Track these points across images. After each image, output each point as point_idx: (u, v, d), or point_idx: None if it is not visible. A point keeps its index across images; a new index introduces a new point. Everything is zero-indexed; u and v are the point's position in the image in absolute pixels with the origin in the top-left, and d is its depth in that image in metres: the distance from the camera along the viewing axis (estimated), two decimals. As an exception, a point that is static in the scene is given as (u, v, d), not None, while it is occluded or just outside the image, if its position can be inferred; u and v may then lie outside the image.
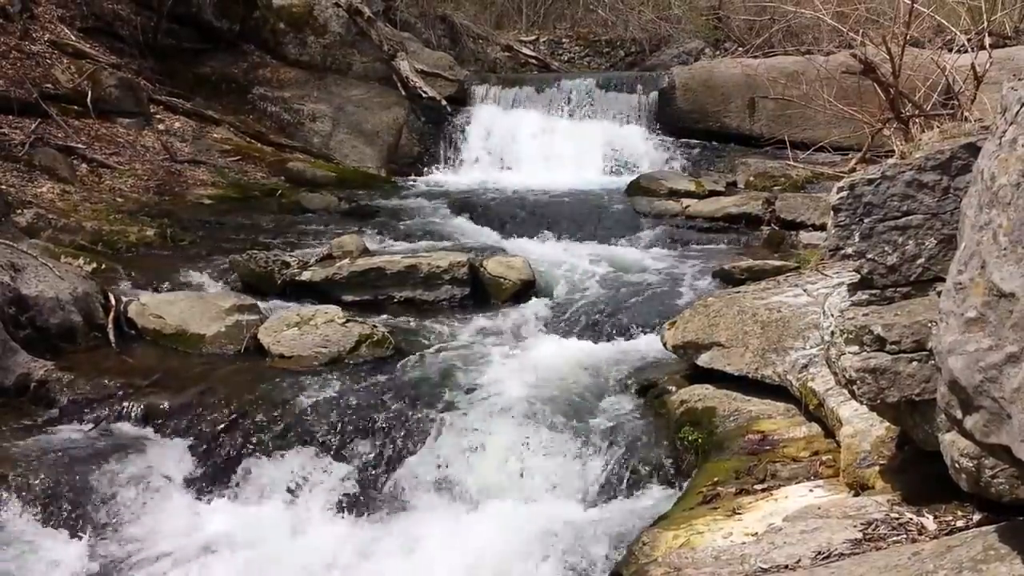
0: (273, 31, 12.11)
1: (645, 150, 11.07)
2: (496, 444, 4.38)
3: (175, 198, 8.72)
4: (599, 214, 8.81)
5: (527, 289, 6.47)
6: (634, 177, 9.86)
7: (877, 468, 3.07)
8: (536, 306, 6.27)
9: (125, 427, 4.66)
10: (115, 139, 9.37)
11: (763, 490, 3.35)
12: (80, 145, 8.86)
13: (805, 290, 4.65)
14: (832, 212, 2.79)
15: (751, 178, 9.57)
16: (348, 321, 5.54)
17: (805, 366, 3.99)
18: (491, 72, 14.23)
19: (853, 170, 4.34)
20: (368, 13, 12.16)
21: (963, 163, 2.62)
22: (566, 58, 16.49)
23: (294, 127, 11.26)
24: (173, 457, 4.46)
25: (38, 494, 4.15)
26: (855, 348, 2.68)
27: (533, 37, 16.74)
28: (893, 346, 2.61)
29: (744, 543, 2.83)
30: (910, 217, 2.69)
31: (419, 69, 12.00)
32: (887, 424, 3.06)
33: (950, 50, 5.19)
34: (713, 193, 9.03)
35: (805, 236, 7.79)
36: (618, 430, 4.43)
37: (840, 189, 2.78)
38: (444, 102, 11.78)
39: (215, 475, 4.42)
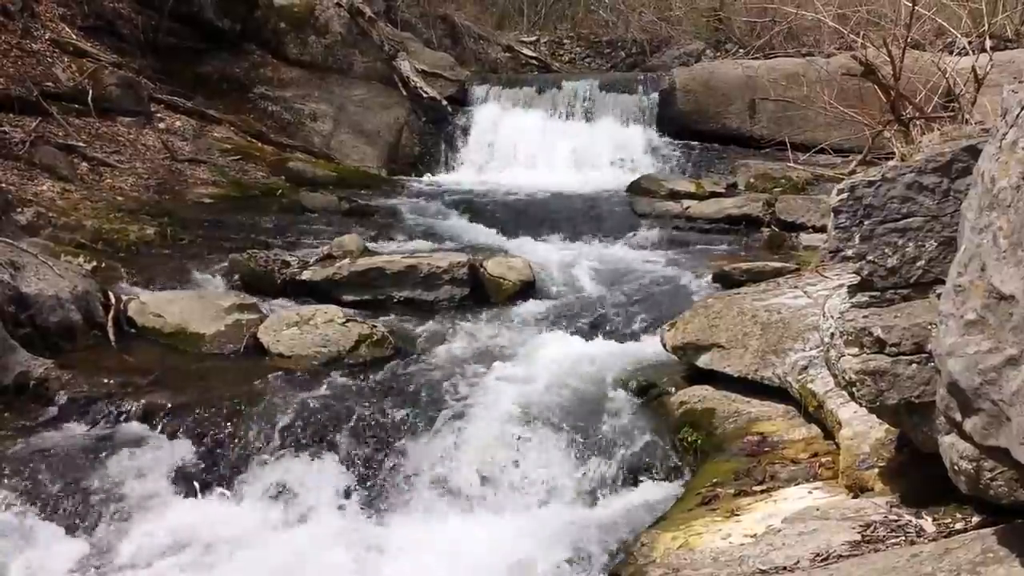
0: (274, 31, 12.11)
1: (645, 151, 11.08)
2: (495, 444, 4.39)
3: (175, 197, 8.72)
4: (599, 215, 8.82)
5: (527, 289, 6.47)
6: (634, 178, 9.87)
7: (876, 470, 3.07)
8: (536, 306, 6.27)
9: (124, 426, 4.65)
10: (116, 138, 9.37)
11: (762, 491, 3.36)
12: (80, 144, 8.86)
13: (805, 292, 4.65)
14: (832, 214, 2.79)
15: (751, 179, 9.58)
16: (348, 321, 5.54)
17: (805, 368, 3.99)
18: (492, 72, 14.23)
19: (853, 172, 4.34)
20: (369, 13, 12.17)
21: (963, 165, 2.62)
22: (567, 59, 16.48)
23: (295, 127, 11.27)
24: (172, 456, 4.45)
25: (37, 492, 4.14)
26: (855, 350, 2.68)
27: (534, 38, 16.73)
28: (893, 348, 2.61)
29: (743, 544, 2.83)
30: (910, 219, 2.69)
31: (420, 69, 12.00)
32: (886, 426, 3.06)
33: (951, 52, 5.19)
34: (713, 194, 9.05)
35: (805, 238, 7.81)
36: (617, 431, 4.43)
37: (840, 191, 2.78)
38: (445, 102, 11.78)
39: (214, 474, 4.41)
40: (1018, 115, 1.98)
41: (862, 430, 3.26)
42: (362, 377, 5.06)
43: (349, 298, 6.26)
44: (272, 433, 4.54)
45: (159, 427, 4.64)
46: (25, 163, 8.07)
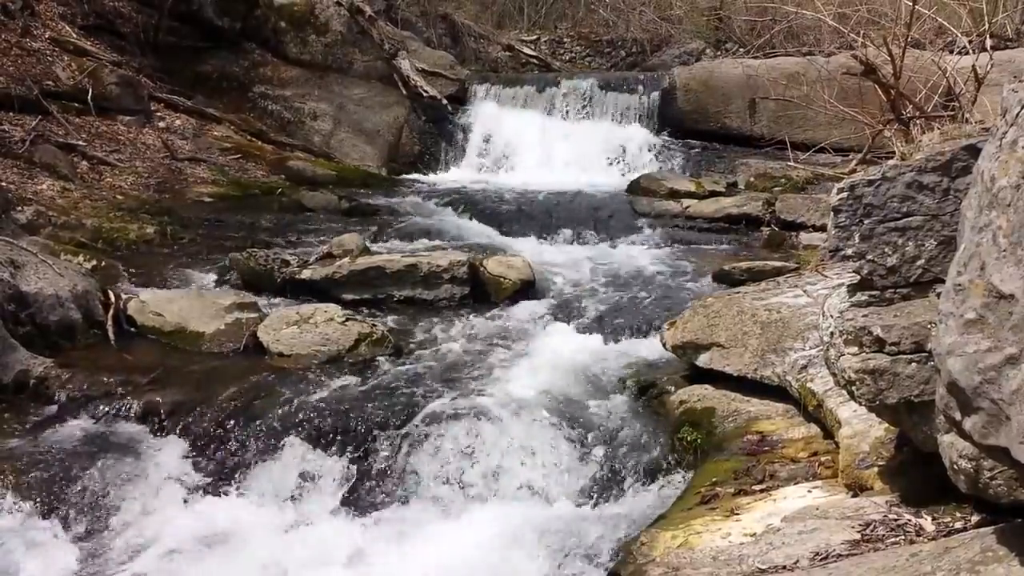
0: (274, 29, 12.11)
1: (645, 150, 11.08)
2: (494, 443, 4.38)
3: (175, 196, 8.72)
4: (599, 214, 8.82)
5: (527, 288, 6.47)
6: (635, 177, 9.87)
7: (876, 469, 3.07)
8: (536, 306, 6.27)
9: (124, 424, 4.65)
10: (115, 137, 9.37)
11: (762, 491, 3.36)
12: (80, 142, 8.86)
13: (805, 291, 4.65)
14: (832, 213, 2.79)
15: (751, 179, 9.59)
16: (348, 320, 5.53)
17: (804, 367, 3.99)
18: (492, 71, 14.24)
19: (853, 171, 4.33)
20: (369, 12, 12.17)
21: (963, 165, 2.62)
22: (567, 58, 16.48)
23: (295, 125, 11.27)
24: (172, 455, 4.45)
25: (36, 491, 4.14)
26: (854, 349, 2.68)
27: (534, 37, 16.73)
28: (892, 347, 2.61)
29: (742, 543, 2.83)
30: (910, 218, 2.69)
31: (420, 68, 12.00)
32: (886, 425, 3.06)
33: (951, 52, 5.19)
34: (713, 193, 9.05)
35: (805, 237, 7.81)
36: (617, 430, 4.43)
37: (840, 190, 2.78)
38: (445, 101, 11.78)
39: (214, 473, 4.41)
40: (1018, 114, 1.97)
41: (861, 429, 3.26)
42: (362, 376, 5.05)
43: (349, 297, 6.26)
44: (272, 432, 4.54)
45: (158, 426, 4.64)
46: (25, 162, 8.08)
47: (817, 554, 2.58)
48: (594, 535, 3.73)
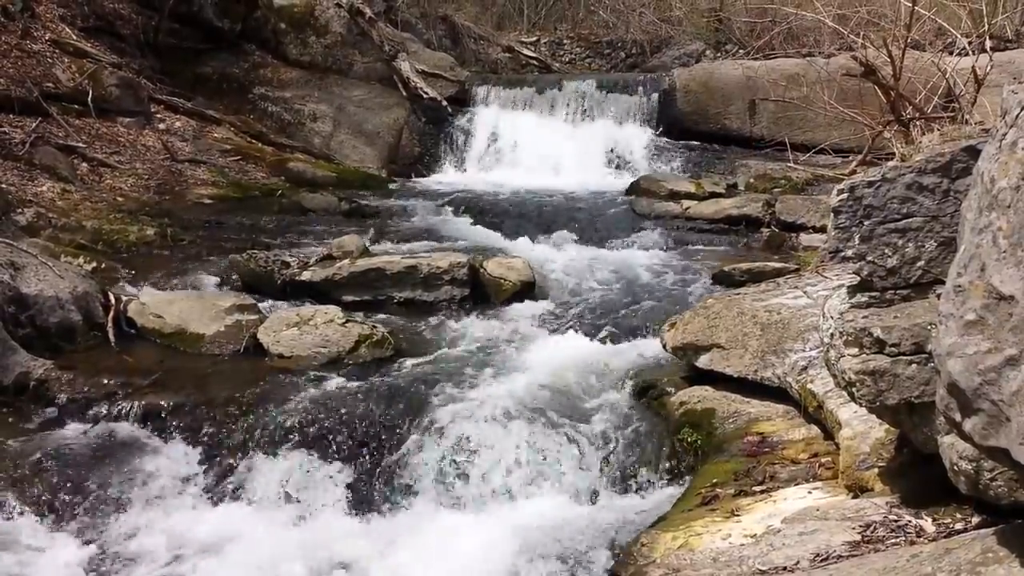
0: (274, 31, 12.12)
1: (645, 152, 11.08)
2: (495, 444, 4.38)
3: (175, 197, 8.73)
4: (599, 215, 8.82)
5: (527, 290, 6.47)
6: (634, 179, 9.87)
7: (876, 470, 3.07)
8: (536, 307, 6.27)
9: (124, 426, 4.65)
10: (116, 138, 9.37)
11: (762, 492, 3.36)
12: (81, 144, 8.86)
13: (805, 292, 4.65)
14: (832, 214, 2.79)
15: (751, 180, 9.59)
16: (348, 321, 5.54)
17: (804, 368, 3.99)
18: (492, 73, 14.24)
19: (853, 172, 4.34)
20: (369, 13, 12.17)
21: (963, 166, 2.62)
22: (567, 59, 16.48)
23: (295, 127, 11.28)
24: (172, 456, 4.45)
25: (37, 493, 4.15)
26: (854, 350, 2.68)
27: (534, 38, 16.74)
28: (892, 348, 2.61)
29: (743, 545, 2.83)
30: (910, 219, 2.70)
31: (420, 70, 12.01)
32: (886, 426, 3.06)
33: (951, 53, 5.20)
34: (713, 195, 9.05)
35: (805, 238, 7.81)
36: (617, 431, 4.43)
37: (840, 191, 2.79)
38: (445, 103, 11.79)
39: (214, 474, 4.41)
40: (1018, 115, 1.97)
41: (862, 430, 3.26)
42: (362, 378, 5.05)
43: (349, 299, 6.26)
44: (272, 434, 4.54)
45: (159, 428, 4.64)
46: (25, 164, 8.08)
47: (817, 555, 2.58)
48: (594, 536, 3.73)
